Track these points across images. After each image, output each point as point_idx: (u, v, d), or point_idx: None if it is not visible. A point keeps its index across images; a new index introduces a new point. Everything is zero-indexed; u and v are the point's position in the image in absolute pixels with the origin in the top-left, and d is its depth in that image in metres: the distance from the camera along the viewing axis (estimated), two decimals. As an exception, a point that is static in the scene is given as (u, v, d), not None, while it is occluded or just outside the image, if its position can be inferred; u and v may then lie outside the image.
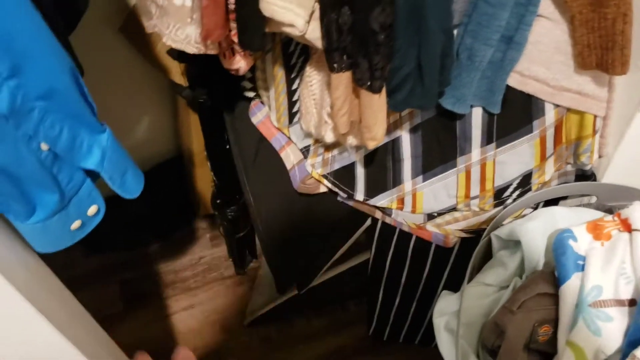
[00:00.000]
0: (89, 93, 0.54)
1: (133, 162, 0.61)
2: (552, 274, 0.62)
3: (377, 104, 0.61)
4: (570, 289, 0.58)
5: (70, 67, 0.49)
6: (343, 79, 0.62)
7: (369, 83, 0.59)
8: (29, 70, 0.46)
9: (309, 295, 1.23)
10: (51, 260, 0.65)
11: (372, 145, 0.65)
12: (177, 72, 1.18)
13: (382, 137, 0.65)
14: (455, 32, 0.66)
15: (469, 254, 0.80)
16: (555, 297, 0.60)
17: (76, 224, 0.57)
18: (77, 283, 0.82)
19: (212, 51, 0.67)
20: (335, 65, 0.60)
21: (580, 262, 0.60)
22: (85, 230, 0.59)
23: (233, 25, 0.63)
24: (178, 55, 1.03)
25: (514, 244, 0.70)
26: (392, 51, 0.57)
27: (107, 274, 1.50)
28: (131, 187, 0.60)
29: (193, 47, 0.62)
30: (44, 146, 0.49)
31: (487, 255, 0.76)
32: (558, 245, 0.62)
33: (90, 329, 0.77)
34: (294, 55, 0.82)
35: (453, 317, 0.69)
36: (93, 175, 0.58)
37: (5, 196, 0.49)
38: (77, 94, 0.51)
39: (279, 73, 0.85)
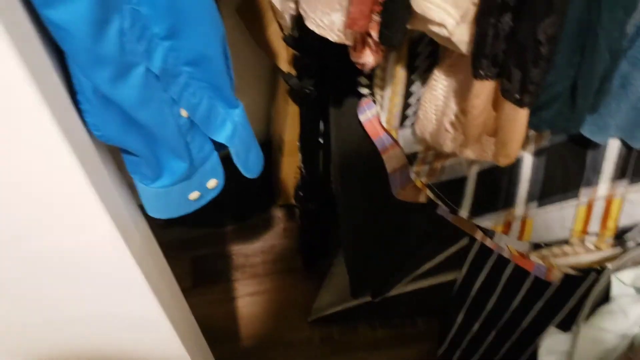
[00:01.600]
0: (231, 64, 0.52)
1: (257, 141, 0.60)
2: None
3: (521, 119, 0.57)
4: None
5: (222, 36, 0.48)
6: (486, 88, 0.58)
7: (518, 96, 0.55)
8: (185, 34, 0.45)
9: (380, 304, 1.20)
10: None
11: (504, 162, 0.61)
12: (284, 59, 1.17)
13: (516, 155, 0.61)
14: (609, 55, 0.61)
15: (569, 291, 0.74)
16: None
17: (194, 195, 0.56)
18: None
19: (348, 42, 0.64)
20: (481, 72, 0.57)
21: None
22: (201, 202, 0.58)
23: (375, 17, 0.61)
24: (293, 42, 1.01)
25: (637, 291, 0.64)
26: (551, 67, 0.53)
27: (181, 248, 1.51)
28: (253, 165, 0.59)
29: (335, 34, 0.60)
30: (184, 112, 0.49)
31: (600, 296, 0.71)
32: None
33: (177, 298, 0.77)
34: (420, 56, 0.79)
35: (562, 357, 0.64)
36: (219, 146, 0.57)
37: (140, 157, 0.48)
38: (223, 65, 0.50)
39: (400, 73, 0.82)
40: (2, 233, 0.46)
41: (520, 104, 0.55)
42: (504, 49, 0.54)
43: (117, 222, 0.49)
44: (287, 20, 1.06)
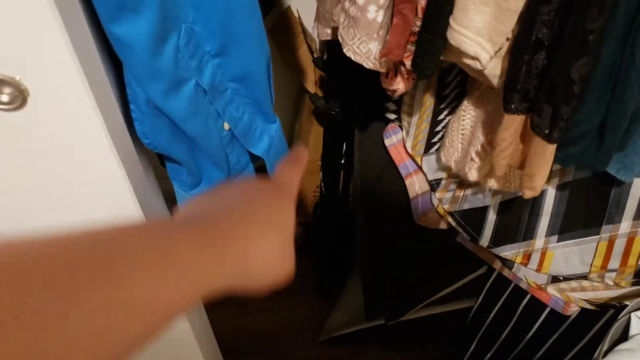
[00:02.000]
0: (272, 83, 0.55)
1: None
2: None
3: (548, 154, 0.58)
4: None
5: (268, 56, 0.50)
6: (515, 122, 0.59)
7: (547, 131, 0.56)
8: (233, 52, 0.47)
9: (392, 327, 1.20)
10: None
11: (529, 195, 0.62)
12: (311, 81, 1.20)
13: (540, 188, 0.62)
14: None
15: (586, 326, 0.75)
16: None
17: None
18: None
19: (382, 69, 0.66)
20: (512, 106, 0.58)
21: None
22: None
23: (410, 47, 0.63)
24: (322, 65, 1.03)
25: (658, 330, 0.65)
26: (582, 105, 0.54)
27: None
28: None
29: (371, 62, 0.62)
30: (226, 126, 0.51)
31: (619, 333, 0.71)
32: None
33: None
34: (449, 86, 0.81)
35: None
36: (253, 157, 0.59)
37: (182, 165, 0.50)
38: (266, 83, 0.52)
39: (429, 101, 0.84)
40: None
41: (549, 139, 0.56)
42: (536, 85, 0.56)
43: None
44: (317, 43, 1.09)
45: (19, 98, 0.36)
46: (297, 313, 1.46)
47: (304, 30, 1.15)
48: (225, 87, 0.49)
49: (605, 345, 0.65)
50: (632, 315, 0.68)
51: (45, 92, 0.36)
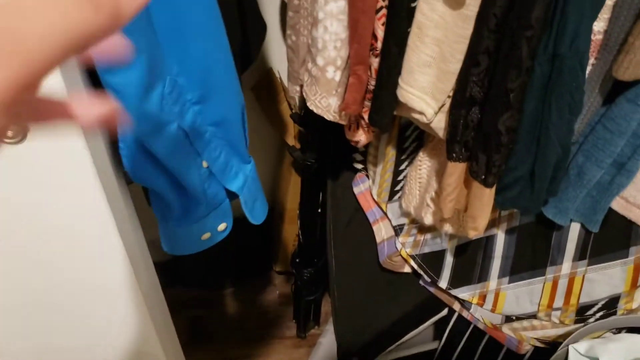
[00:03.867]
0: (247, 127, 0.62)
1: (263, 193, 0.69)
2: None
3: (487, 197, 0.66)
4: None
5: (242, 105, 0.58)
6: (458, 169, 0.67)
7: (483, 177, 0.64)
8: (212, 101, 0.55)
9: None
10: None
11: (472, 235, 0.70)
12: (291, 134, 1.28)
13: (483, 229, 0.69)
14: (568, 148, 0.71)
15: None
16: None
17: (206, 235, 0.64)
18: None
19: (342, 121, 0.74)
20: (454, 155, 0.66)
21: (660, 394, 0.60)
22: (211, 242, 0.66)
23: (367, 103, 0.71)
24: (300, 119, 1.12)
25: (592, 361, 0.71)
26: (511, 152, 0.62)
27: (180, 308, 1.56)
28: (258, 214, 0.68)
29: (331, 115, 0.70)
30: (205, 164, 0.58)
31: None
32: (639, 371, 0.62)
33: (176, 348, 0.83)
34: (408, 139, 0.89)
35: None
36: (231, 195, 0.66)
37: (164, 199, 0.57)
38: (240, 128, 0.60)
39: (391, 153, 0.92)
40: (31, 253, 0.55)
41: (485, 183, 0.64)
42: (473, 136, 0.64)
43: (130, 256, 0.57)
44: (296, 100, 1.18)
45: (21, 134, 0.43)
46: (276, 360, 1.49)
47: (284, 89, 1.24)
48: (205, 130, 0.57)
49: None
50: (570, 347, 0.74)
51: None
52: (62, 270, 0.57)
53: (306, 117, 1.11)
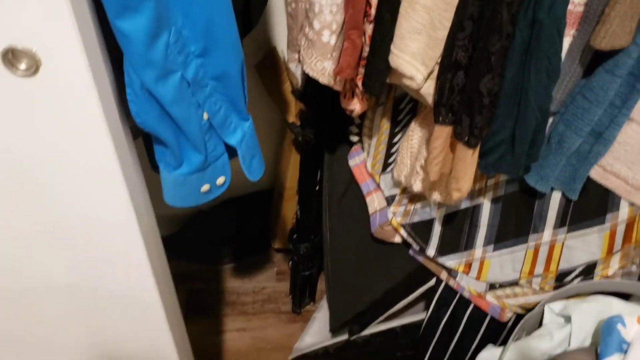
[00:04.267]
0: (246, 86, 0.66)
1: (261, 151, 0.73)
2: (595, 351, 0.66)
3: (469, 159, 0.70)
4: (609, 365, 0.62)
5: (242, 61, 0.63)
6: (444, 132, 0.71)
7: (466, 138, 0.68)
8: (213, 55, 0.59)
9: (354, 345, 1.28)
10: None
11: (456, 196, 0.74)
12: (292, 112, 1.32)
13: (466, 191, 0.73)
14: (551, 119, 0.75)
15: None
16: (593, 370, 0.64)
17: (205, 187, 0.69)
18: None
19: (337, 87, 0.78)
20: (440, 118, 0.70)
21: (625, 346, 0.64)
22: (210, 195, 0.70)
23: (361, 70, 0.75)
24: (300, 95, 1.17)
25: (565, 319, 0.75)
26: (493, 116, 0.66)
27: (179, 281, 1.60)
28: (255, 170, 0.72)
29: (326, 78, 0.74)
30: (205, 115, 0.62)
31: (537, 325, 0.80)
32: (606, 326, 0.66)
33: (173, 299, 0.88)
34: (402, 112, 0.93)
35: (493, 367, 0.74)
36: (230, 153, 0.70)
37: (167, 147, 0.61)
38: (240, 84, 0.64)
39: (385, 125, 0.96)
40: (34, 194, 0.59)
41: (468, 144, 0.68)
42: (458, 100, 0.68)
43: (133, 197, 0.62)
44: (297, 78, 1.22)
45: (33, 67, 0.48)
46: (271, 334, 1.54)
47: (287, 69, 1.28)
48: (206, 83, 0.61)
49: (518, 327, 0.75)
50: (546, 306, 0.78)
51: (54, 64, 0.48)
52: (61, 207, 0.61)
53: (306, 93, 1.15)
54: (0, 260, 0.67)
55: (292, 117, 1.32)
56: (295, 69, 1.24)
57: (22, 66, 0.48)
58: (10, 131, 0.54)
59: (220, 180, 0.71)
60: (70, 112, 0.53)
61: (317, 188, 1.30)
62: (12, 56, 0.48)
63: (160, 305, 0.79)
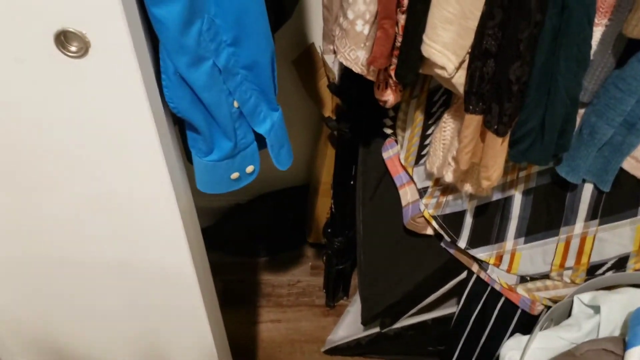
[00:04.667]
0: (276, 76, 0.69)
1: (289, 142, 0.75)
2: (623, 340, 0.66)
3: (499, 147, 0.71)
4: (636, 354, 0.62)
5: (272, 51, 0.65)
6: (474, 121, 0.72)
7: (496, 127, 0.69)
8: (245, 44, 0.62)
9: (386, 337, 1.30)
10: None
11: (485, 184, 0.74)
12: (328, 107, 1.35)
13: (496, 180, 0.74)
14: (583, 110, 0.75)
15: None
16: (618, 358, 0.64)
17: (235, 175, 0.72)
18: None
19: (371, 77, 0.80)
20: (470, 107, 0.71)
21: (654, 336, 0.64)
22: (240, 183, 0.73)
23: (394, 60, 0.77)
24: (336, 89, 1.19)
25: (594, 310, 0.75)
26: (522, 104, 0.67)
27: (216, 271, 1.65)
28: (284, 159, 0.74)
29: (359, 67, 0.76)
30: (236, 104, 0.65)
31: (566, 316, 0.80)
32: (635, 316, 0.66)
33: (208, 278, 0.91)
34: (436, 104, 0.94)
35: (519, 354, 0.74)
36: (260, 145, 0.72)
37: (199, 134, 0.65)
38: (270, 74, 0.67)
39: (419, 117, 0.97)
40: (78, 171, 0.63)
41: (497, 132, 0.69)
42: (489, 89, 0.69)
43: (172, 175, 0.65)
44: (334, 71, 1.24)
45: (83, 49, 0.52)
46: (305, 326, 1.56)
47: (325, 64, 1.31)
48: (237, 72, 0.64)
49: (545, 316, 0.75)
50: (575, 297, 0.78)
51: (103, 47, 0.52)
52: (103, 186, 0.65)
53: (342, 87, 1.17)
54: (54, 232, 0.71)
55: (328, 112, 1.35)
56: (333, 64, 1.26)
57: (73, 48, 0.52)
58: (60, 110, 0.58)
59: (250, 168, 0.74)
60: (116, 92, 0.56)
61: (352, 182, 1.32)
62: (64, 38, 0.51)
63: (197, 289, 0.83)
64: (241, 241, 1.70)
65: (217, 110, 0.64)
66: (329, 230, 1.45)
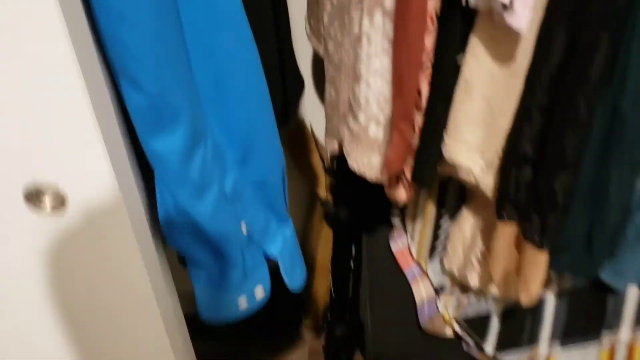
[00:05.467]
0: (286, 188, 0.60)
1: (302, 259, 0.66)
2: None
3: (541, 260, 0.62)
4: None
5: (283, 166, 0.56)
6: (508, 228, 0.63)
7: (538, 239, 0.60)
8: (253, 162, 0.53)
9: None
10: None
11: (525, 300, 0.65)
12: (322, 186, 1.26)
13: (537, 294, 0.65)
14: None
15: None
16: None
17: (243, 301, 0.61)
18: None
19: (384, 180, 0.71)
20: (504, 214, 0.62)
21: None
22: (248, 310, 0.63)
23: (409, 159, 0.68)
24: (334, 173, 1.10)
25: None
26: (567, 215, 0.58)
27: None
28: (297, 280, 0.65)
29: (373, 173, 0.67)
30: (244, 228, 0.55)
31: None
32: None
33: None
34: (448, 194, 0.86)
35: None
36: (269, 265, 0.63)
37: (201, 266, 0.55)
38: (281, 189, 0.57)
39: (431, 208, 0.88)
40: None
41: (539, 245, 0.60)
42: (525, 196, 0.61)
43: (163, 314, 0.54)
44: (327, 153, 1.16)
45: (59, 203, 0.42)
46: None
47: (316, 141, 1.23)
48: (245, 191, 0.55)
49: None
50: None
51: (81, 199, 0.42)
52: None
53: (339, 170, 1.08)
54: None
55: (323, 191, 1.26)
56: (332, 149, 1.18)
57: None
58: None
59: (259, 291, 0.64)
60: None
61: (351, 265, 1.22)
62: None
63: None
64: (233, 327, 1.57)
65: (225, 241, 0.54)
66: (329, 316, 1.33)
